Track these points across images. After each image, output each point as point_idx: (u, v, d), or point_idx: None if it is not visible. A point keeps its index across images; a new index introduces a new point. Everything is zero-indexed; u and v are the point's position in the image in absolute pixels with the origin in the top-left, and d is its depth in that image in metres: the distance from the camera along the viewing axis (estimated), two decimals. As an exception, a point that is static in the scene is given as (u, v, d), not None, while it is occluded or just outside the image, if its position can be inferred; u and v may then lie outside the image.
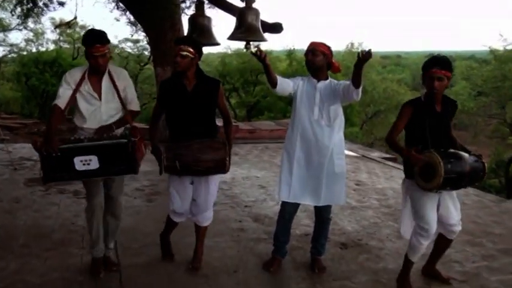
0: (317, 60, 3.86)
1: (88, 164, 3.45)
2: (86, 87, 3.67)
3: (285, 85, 3.89)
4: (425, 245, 3.77)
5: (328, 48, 3.91)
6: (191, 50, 3.72)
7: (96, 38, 3.55)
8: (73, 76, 3.68)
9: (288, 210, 4.10)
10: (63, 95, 3.62)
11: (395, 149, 3.76)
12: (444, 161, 3.39)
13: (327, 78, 3.95)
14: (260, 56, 3.58)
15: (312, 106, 3.89)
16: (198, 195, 4.04)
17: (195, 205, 4.07)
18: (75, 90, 3.63)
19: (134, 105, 3.86)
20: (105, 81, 3.71)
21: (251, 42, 5.44)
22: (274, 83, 3.79)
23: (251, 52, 3.69)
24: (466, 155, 3.59)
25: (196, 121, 3.84)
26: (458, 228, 3.85)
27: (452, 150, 3.64)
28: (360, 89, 3.66)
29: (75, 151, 3.44)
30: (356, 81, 3.59)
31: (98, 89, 3.69)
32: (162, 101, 3.93)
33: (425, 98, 3.67)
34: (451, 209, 3.80)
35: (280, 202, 4.15)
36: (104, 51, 3.55)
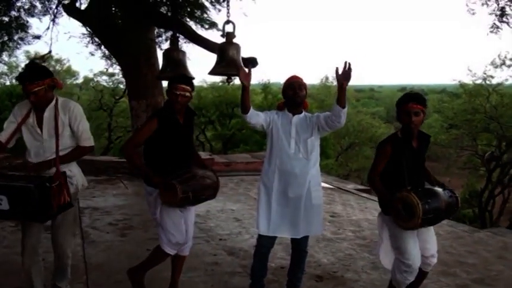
0: (302, 95, 3.91)
1: (0, 204, 3.24)
2: (31, 121, 3.58)
3: (256, 116, 3.88)
4: (411, 279, 3.72)
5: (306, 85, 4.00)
6: (190, 89, 3.81)
7: (25, 76, 3.45)
8: (21, 109, 3.61)
9: (265, 244, 4.06)
10: (7, 128, 3.56)
11: (378, 192, 3.74)
12: (422, 202, 3.37)
13: (301, 112, 3.99)
14: (244, 73, 3.67)
15: (288, 140, 3.90)
16: (189, 225, 4.01)
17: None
18: (20, 124, 3.56)
19: (83, 141, 3.66)
20: (48, 116, 3.58)
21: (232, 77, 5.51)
22: (247, 108, 3.76)
23: (250, 63, 3.70)
24: (440, 191, 3.61)
25: (186, 152, 3.93)
26: (434, 260, 3.85)
27: (428, 188, 3.66)
28: (346, 109, 3.72)
29: None
30: (341, 100, 3.67)
31: (41, 124, 3.59)
32: (156, 135, 3.77)
33: (402, 134, 3.70)
34: (428, 241, 3.80)
35: (256, 236, 4.11)
36: (32, 89, 3.41)
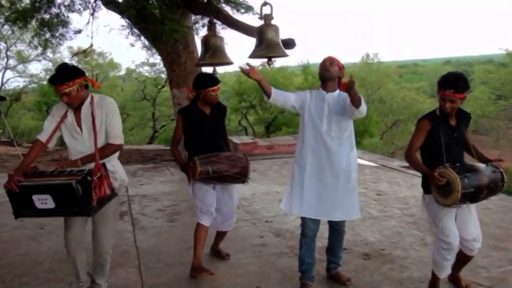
0: (333, 70, 3.86)
1: (45, 203, 3.27)
2: (70, 119, 3.55)
3: (282, 97, 3.93)
4: (450, 259, 3.70)
5: (343, 65, 3.98)
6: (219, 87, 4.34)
7: (54, 79, 3.41)
8: (59, 109, 3.60)
9: (311, 227, 3.95)
10: (47, 128, 3.55)
11: (415, 166, 3.69)
12: (460, 177, 3.36)
13: (335, 91, 3.92)
14: (246, 72, 3.80)
15: (321, 118, 3.85)
16: (224, 205, 4.38)
17: (220, 214, 4.37)
18: (59, 123, 3.55)
19: (113, 138, 3.57)
20: (85, 113, 3.55)
21: (272, 59, 5.50)
22: (268, 93, 3.86)
23: (240, 69, 3.85)
24: (482, 166, 3.58)
25: (216, 140, 4.38)
26: (476, 245, 3.75)
27: (467, 163, 3.62)
28: (361, 108, 3.63)
29: (31, 189, 3.27)
30: (354, 102, 3.57)
31: (80, 121, 3.56)
32: (185, 128, 4.35)
33: (440, 113, 3.65)
34: (468, 223, 3.72)
35: (300, 220, 4.02)
36: (63, 90, 3.38)
